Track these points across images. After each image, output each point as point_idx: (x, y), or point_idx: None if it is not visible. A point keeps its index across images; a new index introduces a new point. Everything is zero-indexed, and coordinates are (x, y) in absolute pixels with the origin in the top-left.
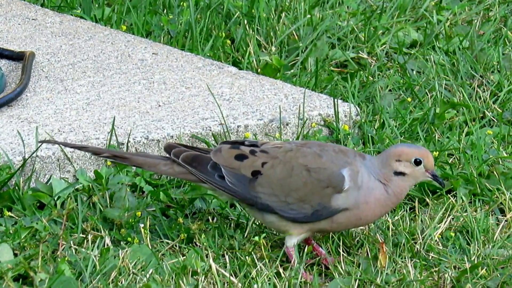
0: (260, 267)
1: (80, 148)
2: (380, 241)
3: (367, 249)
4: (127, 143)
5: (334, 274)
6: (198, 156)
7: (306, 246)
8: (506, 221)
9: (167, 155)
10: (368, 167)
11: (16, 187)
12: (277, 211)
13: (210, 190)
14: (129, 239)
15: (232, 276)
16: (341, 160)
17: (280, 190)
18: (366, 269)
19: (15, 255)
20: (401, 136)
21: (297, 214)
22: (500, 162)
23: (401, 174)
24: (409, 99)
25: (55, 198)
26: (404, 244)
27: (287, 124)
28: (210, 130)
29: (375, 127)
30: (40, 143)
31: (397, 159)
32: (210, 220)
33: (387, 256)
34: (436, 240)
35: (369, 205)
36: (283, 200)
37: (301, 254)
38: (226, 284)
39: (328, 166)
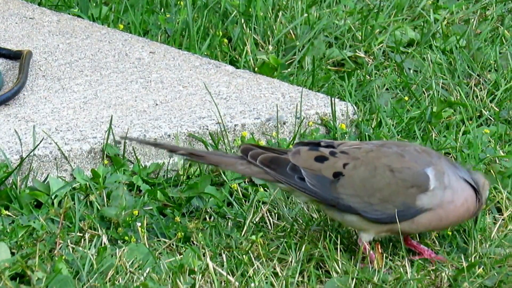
0: (257, 266)
1: (155, 145)
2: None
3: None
4: (124, 142)
5: (332, 273)
6: (276, 158)
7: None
8: (503, 220)
9: (241, 155)
10: (456, 169)
11: (13, 186)
12: (359, 212)
13: (287, 191)
14: (126, 238)
15: (229, 275)
16: (425, 160)
17: (363, 191)
18: (363, 268)
19: (12, 254)
20: (398, 135)
21: (381, 215)
22: (497, 161)
23: None
24: (406, 98)
25: (52, 197)
26: (401, 243)
27: (284, 123)
28: (207, 129)
29: (372, 126)
30: (123, 140)
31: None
32: (207, 219)
33: (384, 256)
34: (433, 239)
35: (455, 206)
36: (366, 201)
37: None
38: (223, 283)
39: (412, 166)
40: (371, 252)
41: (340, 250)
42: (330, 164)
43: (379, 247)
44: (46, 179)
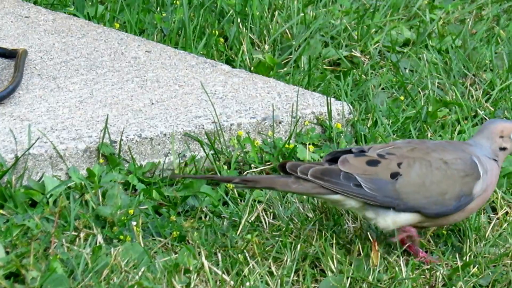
0: (253, 265)
1: (207, 178)
2: (372, 239)
3: (359, 247)
4: (120, 141)
5: (327, 272)
6: (328, 169)
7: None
8: (497, 219)
9: (287, 173)
10: (480, 150)
11: (8, 185)
12: (419, 209)
13: (337, 202)
14: (121, 237)
15: (224, 274)
16: (462, 149)
17: (422, 187)
18: (358, 267)
19: (7, 253)
20: (393, 134)
21: (440, 208)
22: None
23: (504, 149)
24: (402, 98)
25: (47, 196)
26: (396, 242)
27: (280, 123)
28: (203, 128)
29: (368, 126)
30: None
31: (500, 135)
32: (203, 218)
33: (379, 254)
34: (427, 238)
35: (492, 186)
36: (426, 196)
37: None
38: (218, 282)
39: (461, 156)
40: (420, 251)
41: (335, 249)
42: (385, 166)
43: (376, 245)
44: (41, 178)
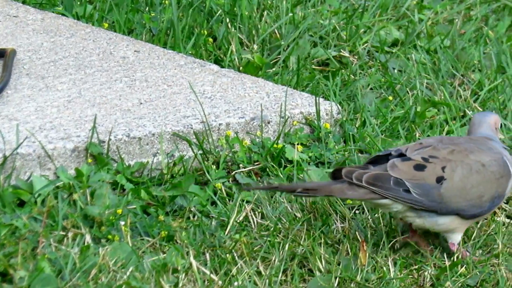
0: (241, 264)
1: (270, 188)
2: (360, 239)
3: (347, 246)
4: (108, 141)
5: (315, 272)
6: (380, 175)
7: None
8: (485, 219)
9: (339, 179)
10: (498, 143)
11: None
12: (459, 211)
13: (386, 204)
14: (109, 236)
15: (212, 273)
16: (490, 148)
17: (463, 190)
18: (346, 267)
19: None
20: (382, 135)
21: (478, 209)
22: None
23: None
24: (390, 98)
25: (35, 196)
26: (384, 242)
27: (268, 122)
28: (192, 128)
29: (356, 126)
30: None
31: (496, 127)
32: (191, 218)
33: (367, 254)
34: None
35: None
36: (466, 199)
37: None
38: (206, 282)
39: (495, 158)
40: (463, 250)
41: (324, 248)
42: (431, 170)
43: (364, 245)
44: (29, 177)
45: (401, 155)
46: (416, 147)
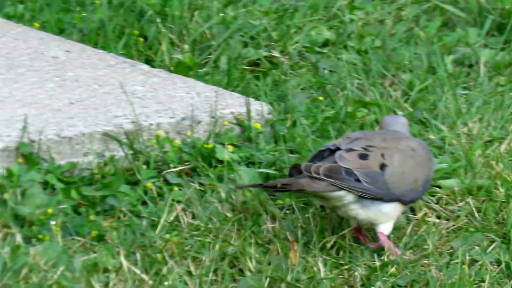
0: (171, 264)
1: (256, 186)
2: (291, 239)
3: (277, 247)
4: (39, 141)
5: (245, 272)
6: (332, 167)
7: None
8: (416, 219)
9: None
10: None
11: None
12: (401, 197)
13: (341, 196)
14: (40, 236)
15: (143, 273)
16: (411, 137)
17: (403, 176)
18: (276, 267)
19: None
20: (312, 135)
21: (415, 194)
22: None
23: None
24: (321, 98)
25: None
26: (314, 242)
27: (199, 122)
28: (122, 128)
29: (287, 126)
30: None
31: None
32: (122, 218)
33: (298, 254)
34: (348, 238)
35: None
36: (407, 183)
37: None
38: (137, 282)
39: (420, 142)
40: (394, 248)
41: (254, 248)
42: (373, 158)
43: (294, 245)
44: None
45: (338, 149)
46: (347, 141)
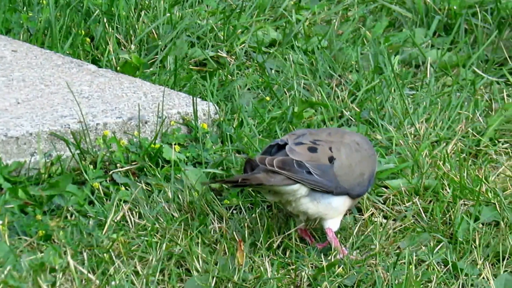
0: (118, 264)
1: (219, 182)
2: (238, 239)
3: (224, 246)
4: None
5: (192, 272)
6: (284, 160)
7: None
8: (363, 220)
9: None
10: None
11: None
12: (349, 190)
13: (295, 190)
14: None
15: (90, 273)
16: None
17: (351, 168)
18: (223, 267)
19: None
20: (259, 135)
21: (362, 188)
22: None
23: None
24: (268, 98)
25: None
26: (261, 242)
27: (146, 122)
28: (69, 128)
29: (234, 126)
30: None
31: None
32: (69, 217)
33: (245, 254)
34: (295, 238)
35: None
36: (354, 177)
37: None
38: (84, 281)
39: (363, 137)
40: (342, 247)
41: (201, 248)
42: (322, 151)
43: (241, 244)
44: None
45: (286, 145)
46: (293, 137)
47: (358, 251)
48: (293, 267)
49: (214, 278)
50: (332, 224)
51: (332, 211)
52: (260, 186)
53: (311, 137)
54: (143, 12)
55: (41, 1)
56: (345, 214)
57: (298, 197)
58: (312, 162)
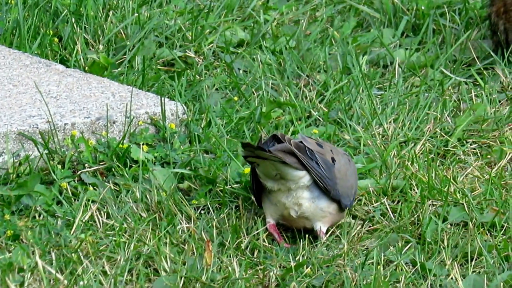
0: (86, 264)
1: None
2: (206, 239)
3: (192, 246)
4: None
5: (160, 272)
6: (299, 144)
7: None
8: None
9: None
10: None
11: None
12: (341, 198)
13: (301, 177)
14: None
15: (58, 273)
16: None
17: (346, 176)
18: (191, 267)
19: None
20: (227, 135)
21: (349, 200)
22: None
23: None
24: (236, 98)
25: None
26: (229, 242)
27: (114, 122)
28: (37, 128)
29: (202, 126)
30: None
31: None
32: (37, 217)
33: (213, 254)
34: (263, 238)
35: None
36: (347, 186)
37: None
38: (52, 281)
39: (344, 152)
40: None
41: (169, 248)
42: (326, 149)
43: (209, 245)
44: None
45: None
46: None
47: (325, 251)
48: (261, 267)
49: (182, 278)
50: (323, 227)
51: (323, 214)
52: (277, 161)
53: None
54: (111, 12)
55: (9, 1)
56: (328, 230)
57: (300, 186)
58: (320, 154)
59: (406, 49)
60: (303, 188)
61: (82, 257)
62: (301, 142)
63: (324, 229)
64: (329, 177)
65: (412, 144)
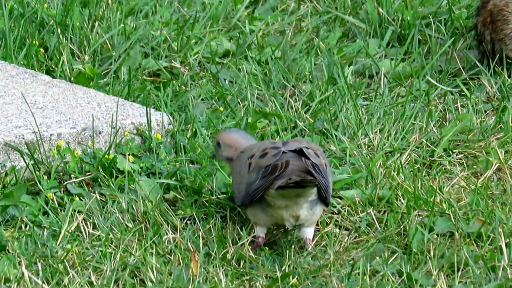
0: (73, 274)
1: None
2: (192, 249)
3: (179, 257)
4: None
5: (146, 282)
6: (312, 162)
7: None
8: (318, 230)
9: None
10: None
11: None
12: (328, 200)
13: (310, 193)
14: None
15: (44, 283)
16: None
17: (331, 178)
18: (178, 277)
19: None
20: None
21: (330, 196)
22: None
23: None
24: (222, 109)
25: None
26: (215, 253)
27: (100, 133)
28: (23, 139)
29: (187, 136)
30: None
31: None
32: (23, 228)
33: (199, 264)
34: (248, 249)
35: None
36: (331, 187)
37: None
38: None
39: None
40: None
41: (155, 259)
42: (321, 156)
43: (196, 255)
44: None
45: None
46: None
47: (311, 261)
48: (248, 277)
49: None
50: (311, 234)
51: (315, 217)
52: (309, 183)
53: (296, 144)
54: (97, 23)
55: None
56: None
57: (307, 200)
58: (322, 166)
59: (392, 59)
60: (309, 201)
61: (68, 267)
62: (300, 149)
63: (310, 237)
64: (328, 186)
65: (398, 155)
